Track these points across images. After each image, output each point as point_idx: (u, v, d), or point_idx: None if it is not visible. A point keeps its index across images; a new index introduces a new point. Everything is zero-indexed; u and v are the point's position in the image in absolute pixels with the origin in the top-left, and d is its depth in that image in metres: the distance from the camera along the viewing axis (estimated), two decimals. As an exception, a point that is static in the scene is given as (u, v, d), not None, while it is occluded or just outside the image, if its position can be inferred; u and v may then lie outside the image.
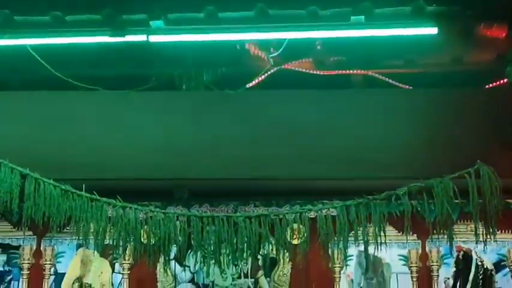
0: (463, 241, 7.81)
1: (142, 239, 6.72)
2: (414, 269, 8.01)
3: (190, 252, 6.95)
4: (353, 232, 6.56)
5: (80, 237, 6.78)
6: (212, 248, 6.70)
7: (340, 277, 8.04)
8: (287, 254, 7.04)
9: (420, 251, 8.05)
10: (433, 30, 7.24)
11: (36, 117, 7.78)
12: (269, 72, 8.10)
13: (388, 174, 7.42)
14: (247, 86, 8.07)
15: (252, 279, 8.17)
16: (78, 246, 8.03)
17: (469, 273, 7.99)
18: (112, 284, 8.11)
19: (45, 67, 7.72)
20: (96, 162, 7.55)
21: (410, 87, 8.15)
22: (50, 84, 7.87)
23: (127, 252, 7.43)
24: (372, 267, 8.06)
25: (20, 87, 8.02)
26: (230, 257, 6.67)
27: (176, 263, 8.03)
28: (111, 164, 7.62)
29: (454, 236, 6.68)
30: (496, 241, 6.60)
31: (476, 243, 6.55)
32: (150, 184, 7.79)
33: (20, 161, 6.33)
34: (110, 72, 7.95)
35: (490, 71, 7.92)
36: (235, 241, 6.57)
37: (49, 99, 7.88)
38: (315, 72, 8.20)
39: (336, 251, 7.32)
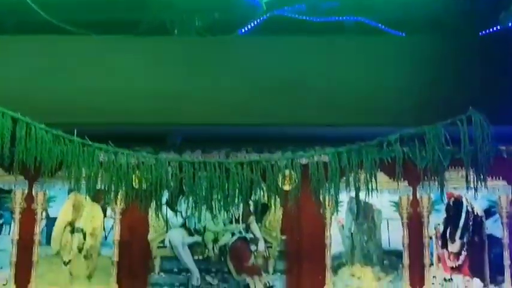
0: (454, 187, 7.85)
1: (134, 184, 6.73)
2: (405, 215, 8.07)
3: (182, 198, 6.96)
4: (344, 178, 6.58)
5: (72, 182, 6.79)
6: (204, 193, 6.71)
7: (331, 223, 8.10)
8: (278, 200, 7.06)
9: (411, 197, 8.10)
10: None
11: (27, 61, 7.72)
12: (262, 18, 8.03)
13: (380, 121, 7.42)
14: (240, 32, 8.01)
15: (244, 225, 8.22)
16: (70, 191, 8.04)
17: (460, 220, 8.05)
18: (104, 229, 8.15)
19: (37, 12, 7.64)
20: (87, 107, 7.52)
21: (404, 34, 8.09)
22: (42, 28, 7.79)
23: (119, 197, 7.44)
24: (363, 213, 8.11)
25: (12, 31, 7.94)
26: (222, 203, 6.69)
27: (168, 208, 8.03)
28: (103, 109, 7.59)
29: (445, 183, 6.71)
30: (487, 188, 6.63)
31: (467, 189, 6.58)
32: (142, 130, 7.78)
33: (11, 105, 6.30)
34: (101, 17, 7.87)
35: (485, 17, 7.87)
36: (226, 187, 6.59)
37: (41, 44, 7.81)
38: (308, 18, 8.13)
39: (327, 197, 7.34)
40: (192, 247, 8.17)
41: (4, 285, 7.95)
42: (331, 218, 8.11)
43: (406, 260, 7.96)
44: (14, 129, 6.51)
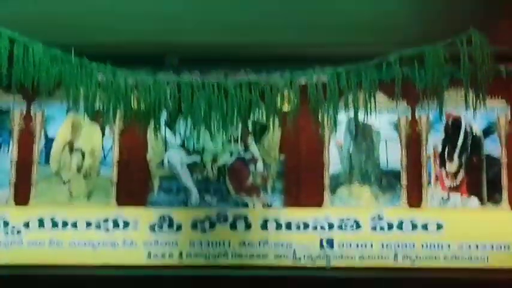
0: (453, 107, 7.84)
1: (132, 105, 6.72)
2: (403, 135, 8.08)
3: (180, 117, 6.96)
4: (343, 99, 6.56)
5: (70, 102, 6.78)
6: (202, 114, 6.71)
7: (329, 143, 8.12)
8: (277, 121, 7.07)
9: (410, 118, 8.10)
10: None
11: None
12: None
13: (379, 41, 7.37)
14: None
15: (242, 145, 8.23)
16: (68, 111, 8.03)
17: (458, 140, 8.07)
18: (102, 149, 8.17)
19: None
20: (85, 27, 7.47)
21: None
22: None
23: (117, 117, 7.44)
24: (362, 134, 8.12)
25: None
26: (220, 123, 6.69)
27: (166, 128, 8.05)
28: (101, 29, 7.54)
29: (444, 103, 6.71)
30: (486, 107, 6.63)
31: (466, 109, 6.58)
32: (140, 50, 7.74)
33: (8, 24, 6.24)
34: None
35: None
36: (225, 107, 6.58)
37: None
38: None
39: (325, 118, 7.34)
40: (190, 167, 8.20)
41: (4, 204, 8.00)
42: (329, 138, 8.13)
43: (404, 180, 8.00)
44: (12, 49, 6.47)
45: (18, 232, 7.90)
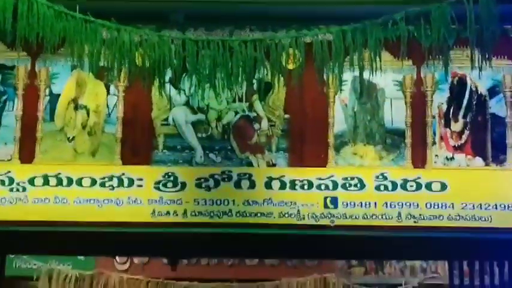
0: (459, 67, 7.82)
1: (137, 62, 6.72)
2: (408, 94, 8.05)
3: (185, 75, 6.96)
4: (348, 57, 6.54)
5: (75, 59, 6.78)
6: (207, 71, 6.71)
7: (334, 102, 8.10)
8: (282, 79, 7.06)
9: (415, 77, 8.07)
10: None
11: None
12: None
13: (385, -1, 7.35)
14: None
15: (247, 103, 8.22)
16: (73, 67, 8.02)
17: (463, 99, 8.05)
18: (107, 106, 8.17)
19: None
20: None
21: None
22: None
23: (122, 74, 7.44)
24: (367, 92, 8.10)
25: None
26: (225, 81, 6.69)
27: (171, 86, 8.04)
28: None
29: (449, 62, 6.69)
30: (492, 67, 6.61)
31: (472, 69, 6.56)
32: (144, 7, 7.71)
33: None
34: None
35: None
36: (230, 65, 6.58)
37: None
38: None
39: (330, 76, 7.34)
40: (195, 125, 8.20)
41: (9, 160, 8.02)
42: (334, 97, 8.10)
43: (408, 139, 7.99)
44: (16, 5, 6.45)
45: (24, 189, 7.92)
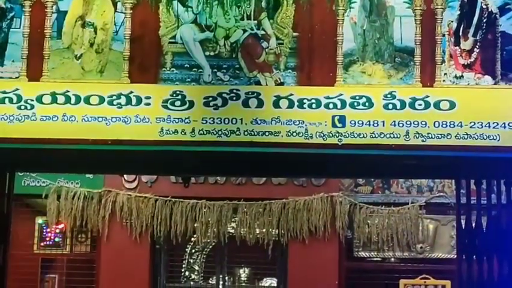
0: (469, -16, 7.74)
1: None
2: (418, 12, 7.96)
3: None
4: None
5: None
6: (215, -12, 6.63)
7: (343, 20, 8.03)
8: (291, -5, 6.99)
9: (425, -6, 7.99)
10: None
11: None
12: None
13: None
14: None
15: (255, 21, 8.15)
16: (80, -16, 7.95)
17: (473, 17, 7.97)
18: (115, 23, 8.11)
19: None
20: None
21: None
22: None
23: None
24: (376, 10, 8.02)
25: None
26: (233, -2, 6.62)
27: (179, 3, 7.96)
28: None
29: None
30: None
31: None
32: None
33: None
34: None
35: None
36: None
37: None
38: None
39: (340, -7, 7.28)
40: (203, 43, 8.15)
41: (16, 77, 8.00)
42: (343, 15, 8.03)
43: (417, 58, 7.94)
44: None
45: (32, 106, 7.93)
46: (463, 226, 9.46)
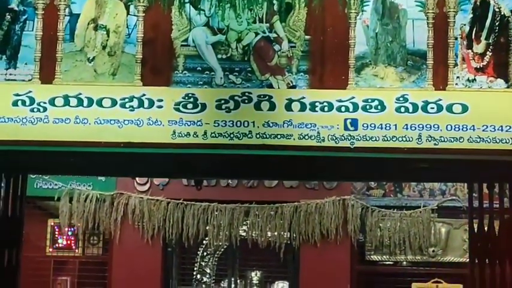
0: (482, -13, 7.73)
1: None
2: (431, 15, 7.95)
3: None
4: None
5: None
6: (227, -9, 6.64)
7: (355, 23, 8.02)
8: (303, -1, 6.99)
9: (438, -3, 7.98)
10: None
11: None
12: None
13: None
14: None
15: (267, 24, 8.16)
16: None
17: (486, 20, 7.95)
18: (127, 26, 8.13)
19: None
20: None
21: None
22: None
23: (142, -6, 7.40)
24: (388, 13, 8.01)
25: None
26: (245, 1, 6.62)
27: (191, 6, 7.97)
28: None
29: (473, -18, 6.60)
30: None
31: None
32: None
33: None
34: None
35: None
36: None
37: None
38: None
39: (352, -4, 7.28)
40: (215, 46, 8.16)
41: (29, 80, 8.03)
42: (355, 18, 8.02)
43: (430, 61, 7.92)
44: None
45: (44, 109, 7.95)
46: (476, 230, 9.45)
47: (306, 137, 7.89)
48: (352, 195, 13.49)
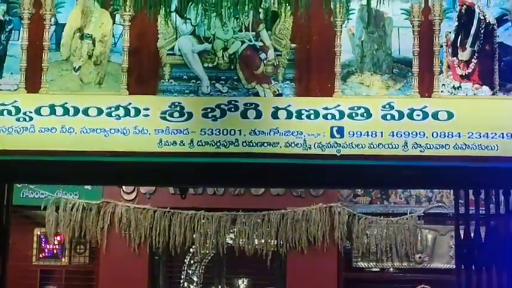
0: (467, -5, 7.77)
1: None
2: (416, 23, 7.98)
3: (191, 5, 6.91)
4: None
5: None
6: (213, 0, 6.64)
7: (341, 31, 8.04)
8: (289, 8, 7.01)
9: (423, 5, 7.99)
10: None
11: None
12: None
13: None
14: None
15: (253, 33, 8.17)
16: (78, -6, 7.98)
17: (471, 28, 7.98)
18: (113, 35, 8.13)
19: None
20: None
21: None
22: None
23: (127, 3, 7.39)
24: (374, 22, 8.03)
25: None
26: (231, 10, 6.62)
27: (177, 15, 7.97)
28: None
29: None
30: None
31: (481, -3, 6.49)
32: None
33: None
34: None
35: None
36: (237, -6, 6.50)
37: None
38: None
39: (338, 5, 7.29)
40: (201, 55, 8.17)
41: (15, 90, 8.01)
42: (341, 26, 8.04)
43: (415, 69, 7.95)
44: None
45: (30, 118, 7.93)
46: (462, 236, 9.47)
47: (293, 145, 7.91)
48: (338, 203, 13.50)
